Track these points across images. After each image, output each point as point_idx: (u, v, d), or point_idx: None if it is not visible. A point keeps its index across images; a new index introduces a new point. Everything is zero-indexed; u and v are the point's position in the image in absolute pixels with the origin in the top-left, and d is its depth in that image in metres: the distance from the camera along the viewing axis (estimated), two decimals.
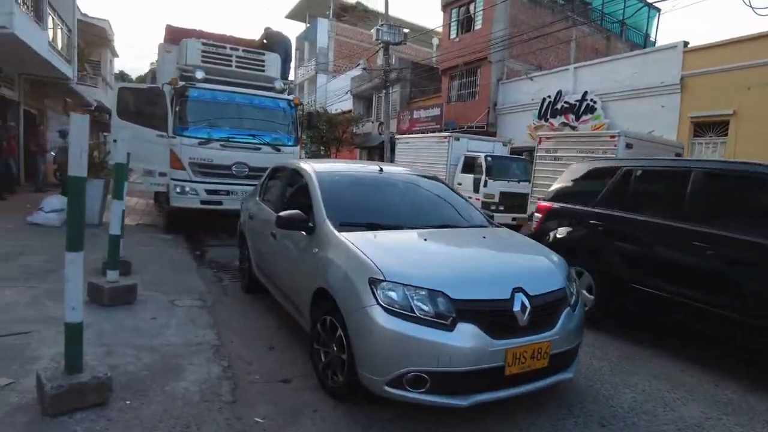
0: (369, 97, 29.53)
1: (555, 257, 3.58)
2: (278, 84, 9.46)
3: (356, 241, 3.26)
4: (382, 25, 20.45)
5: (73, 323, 2.74)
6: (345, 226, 3.55)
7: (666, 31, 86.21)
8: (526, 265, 3.37)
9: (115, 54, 27.80)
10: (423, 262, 3.10)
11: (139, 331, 4.05)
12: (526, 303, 2.96)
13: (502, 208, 11.43)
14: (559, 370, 3.17)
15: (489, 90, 19.81)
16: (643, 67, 14.35)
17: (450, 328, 2.74)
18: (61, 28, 13.33)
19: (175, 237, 8.80)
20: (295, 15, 43.19)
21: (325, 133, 26.19)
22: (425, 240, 3.47)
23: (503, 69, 19.92)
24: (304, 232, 3.76)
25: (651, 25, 26.24)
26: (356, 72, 30.32)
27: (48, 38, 11.71)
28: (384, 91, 21.01)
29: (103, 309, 4.45)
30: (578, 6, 22.35)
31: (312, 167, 4.37)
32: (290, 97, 9.60)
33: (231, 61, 9.39)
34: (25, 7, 9.83)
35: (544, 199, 6.15)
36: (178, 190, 8.39)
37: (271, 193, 5.21)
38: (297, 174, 4.59)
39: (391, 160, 17.73)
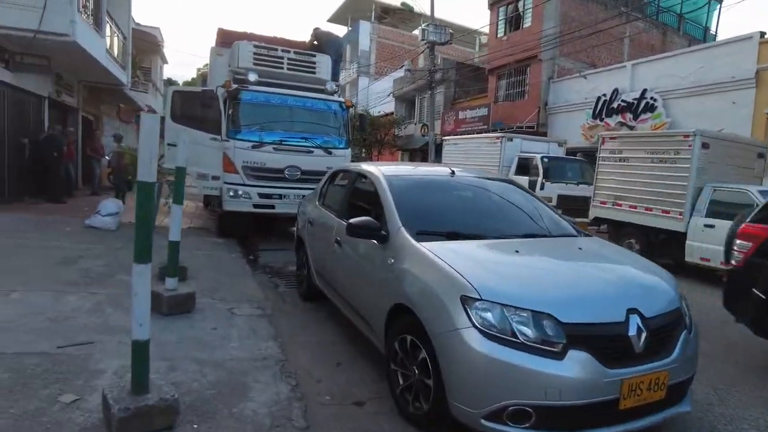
0: (411, 98, 29.22)
1: (663, 272, 3.15)
2: (330, 86, 9.28)
3: (440, 252, 2.94)
4: (428, 25, 20.11)
5: (140, 340, 2.54)
6: (422, 235, 3.24)
7: (726, 24, 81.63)
8: (637, 282, 2.95)
9: (164, 61, 28.60)
10: (521, 279, 2.74)
11: (201, 343, 3.87)
12: (642, 326, 2.56)
13: (560, 211, 10.83)
14: (675, 403, 2.75)
15: (539, 89, 19.13)
16: (711, 62, 13.43)
17: (560, 356, 2.38)
18: (118, 36, 13.65)
19: (227, 241, 8.74)
20: (337, 18, 43.39)
21: (367, 136, 26.05)
22: (516, 252, 3.11)
23: (554, 67, 19.20)
24: (375, 241, 3.46)
25: (711, 18, 24.82)
26: (399, 74, 30.08)
27: (106, 45, 11.97)
28: (429, 92, 20.65)
29: (162, 318, 4.30)
30: (632, 1, 21.33)
31: (379, 170, 4.08)
32: (342, 99, 9.39)
33: (282, 63, 9.28)
34: (86, 15, 10.03)
35: (752, 221, 4.51)
36: (231, 193, 8.32)
37: (333, 198, 4.96)
38: (362, 178, 4.32)
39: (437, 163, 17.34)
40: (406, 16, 41.94)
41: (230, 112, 8.35)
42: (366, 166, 4.38)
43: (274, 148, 8.46)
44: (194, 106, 8.77)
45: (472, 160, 13.90)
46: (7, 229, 7.60)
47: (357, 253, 3.78)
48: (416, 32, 43.51)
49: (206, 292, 5.28)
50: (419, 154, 26.35)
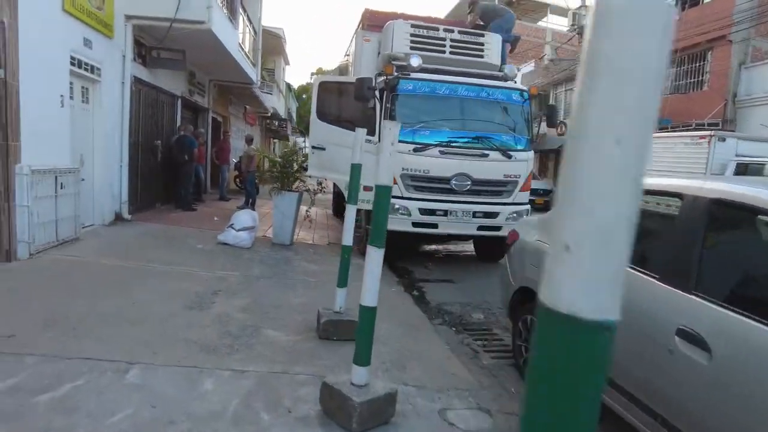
0: (544, 94, 26.22)
1: None
2: (509, 69, 7.26)
3: None
4: (580, 7, 17.33)
5: None
6: None
7: None
8: None
9: (287, 62, 28.41)
10: None
11: None
12: None
13: None
14: None
15: (725, 77, 15.49)
16: None
17: None
18: (249, 30, 12.79)
19: None
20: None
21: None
22: None
23: (747, 50, 15.46)
24: None
25: None
26: (528, 68, 27.22)
27: (238, 39, 11.03)
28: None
29: None
30: None
31: None
32: (524, 87, 7.34)
33: (444, 45, 7.47)
34: (221, 2, 8.99)
35: None
36: None
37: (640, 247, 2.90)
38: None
39: None
40: (530, 7, 38.77)
41: (388, 106, 6.65)
42: (751, 189, 2.25)
43: (440, 152, 6.63)
44: (345, 101, 7.23)
45: (657, 165, 11.05)
46: (135, 245, 6.54)
47: None
48: (541, 23, 40.15)
49: (392, 367, 3.52)
50: (553, 156, 23.38)
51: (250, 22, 12.84)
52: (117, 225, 7.56)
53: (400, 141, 6.51)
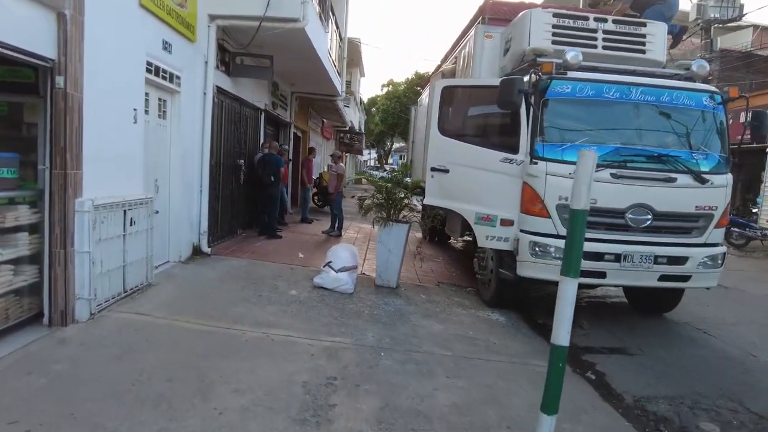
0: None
1: None
2: (698, 66, 5.42)
3: None
4: None
5: None
6: None
7: None
8: None
9: (362, 73, 27.48)
10: None
11: None
12: None
13: None
14: None
15: None
16: None
17: None
18: (335, 36, 11.62)
19: (508, 318, 5.52)
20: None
21: None
22: None
23: None
24: None
25: None
26: None
27: (327, 45, 9.84)
28: None
29: None
30: None
31: None
32: (715, 90, 5.47)
33: (596, 38, 5.81)
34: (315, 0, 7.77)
35: None
36: (536, 249, 4.97)
37: None
38: None
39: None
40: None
41: (539, 116, 5.03)
42: None
43: (612, 175, 4.90)
44: (477, 110, 5.71)
45: None
46: (216, 293, 5.27)
47: None
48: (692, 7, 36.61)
49: None
50: None
51: (338, 27, 11.69)
52: (195, 261, 6.40)
53: (556, 160, 4.93)
